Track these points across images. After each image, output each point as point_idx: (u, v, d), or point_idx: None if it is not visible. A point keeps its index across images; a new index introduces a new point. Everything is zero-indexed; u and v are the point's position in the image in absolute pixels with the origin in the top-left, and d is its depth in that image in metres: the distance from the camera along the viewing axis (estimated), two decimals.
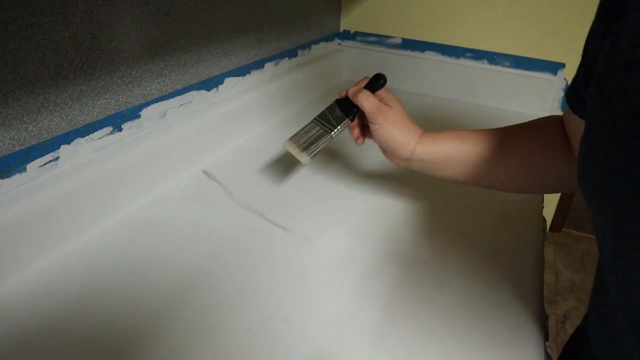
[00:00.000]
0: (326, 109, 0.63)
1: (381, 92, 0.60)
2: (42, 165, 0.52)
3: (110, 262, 0.52)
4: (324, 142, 0.60)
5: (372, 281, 0.53)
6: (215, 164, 0.74)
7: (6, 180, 0.48)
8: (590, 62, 0.38)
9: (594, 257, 1.91)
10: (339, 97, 0.62)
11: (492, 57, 1.09)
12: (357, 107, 0.59)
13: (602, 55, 0.33)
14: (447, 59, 1.13)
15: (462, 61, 1.12)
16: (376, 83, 0.61)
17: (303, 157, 0.59)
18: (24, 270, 0.49)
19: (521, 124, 0.56)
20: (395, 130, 0.56)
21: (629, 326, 0.31)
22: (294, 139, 0.61)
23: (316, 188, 0.70)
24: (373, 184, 0.72)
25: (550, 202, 1.27)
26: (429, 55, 1.15)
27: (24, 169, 0.50)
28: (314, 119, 0.63)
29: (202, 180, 0.70)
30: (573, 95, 0.45)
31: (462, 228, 0.63)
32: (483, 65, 1.10)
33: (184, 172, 0.71)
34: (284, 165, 0.77)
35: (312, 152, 0.59)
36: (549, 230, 2.13)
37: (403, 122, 0.57)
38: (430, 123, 0.99)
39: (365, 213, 0.65)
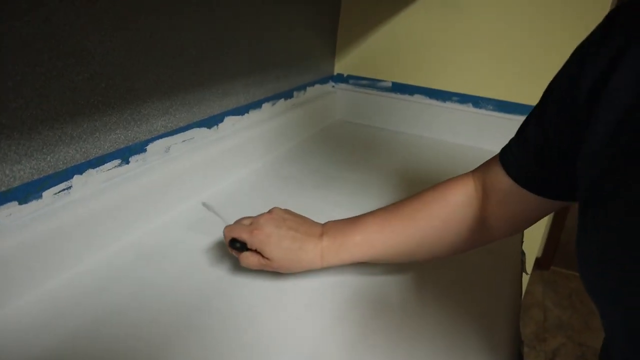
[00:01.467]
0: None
1: (254, 241, 0.55)
2: (56, 193, 0.56)
3: (115, 285, 0.56)
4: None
5: (354, 308, 0.56)
6: (214, 197, 0.79)
7: (24, 205, 0.53)
8: (555, 144, 0.42)
9: (582, 295, 1.94)
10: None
11: (477, 101, 1.16)
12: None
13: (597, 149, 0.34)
14: (434, 102, 1.20)
15: (449, 104, 1.19)
16: (240, 247, 0.57)
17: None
18: (35, 289, 0.53)
19: (430, 200, 0.56)
20: (290, 270, 0.57)
21: None
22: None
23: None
24: None
25: (536, 241, 1.31)
26: (418, 98, 1.22)
27: (40, 196, 0.54)
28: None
29: (201, 211, 0.74)
30: (520, 171, 0.47)
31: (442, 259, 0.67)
32: (468, 108, 1.17)
33: (185, 203, 0.75)
34: (278, 200, 0.81)
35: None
36: (538, 268, 2.16)
37: (291, 261, 0.56)
38: (420, 162, 1.05)
39: None
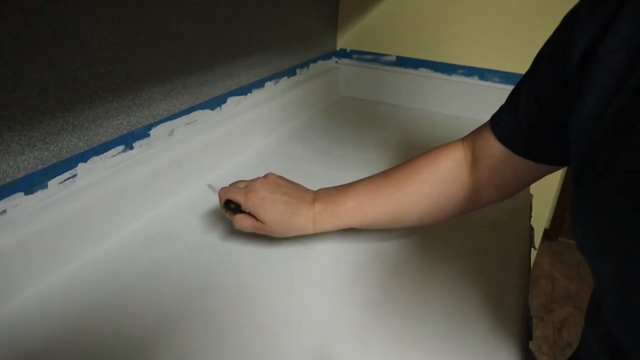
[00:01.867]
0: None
1: (248, 204, 0.57)
2: (61, 182, 0.56)
3: (124, 270, 0.57)
4: None
5: (365, 285, 0.57)
6: (219, 179, 0.79)
7: (30, 196, 0.53)
8: (547, 111, 0.43)
9: None
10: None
11: (483, 74, 1.14)
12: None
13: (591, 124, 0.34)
14: (439, 75, 1.18)
15: (454, 77, 1.17)
16: (234, 208, 0.58)
17: None
18: (47, 277, 0.54)
19: (421, 165, 0.57)
20: (283, 234, 0.58)
21: None
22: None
23: None
24: None
25: (544, 212, 1.31)
26: (423, 72, 1.20)
27: (46, 186, 0.54)
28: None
29: (207, 193, 0.74)
30: (511, 138, 0.48)
31: (451, 235, 0.67)
32: (474, 81, 1.15)
33: (190, 186, 0.75)
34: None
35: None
36: (546, 239, 2.16)
37: (284, 224, 0.57)
38: (426, 136, 1.04)
39: None
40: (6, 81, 0.47)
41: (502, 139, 0.49)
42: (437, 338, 0.50)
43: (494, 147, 0.50)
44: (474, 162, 0.54)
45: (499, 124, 0.50)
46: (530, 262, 0.67)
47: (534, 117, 0.45)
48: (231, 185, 0.61)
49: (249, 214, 0.58)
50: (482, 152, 0.52)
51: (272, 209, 0.56)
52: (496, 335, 0.50)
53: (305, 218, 0.58)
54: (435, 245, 0.65)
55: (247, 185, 0.59)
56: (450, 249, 0.64)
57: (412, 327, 0.51)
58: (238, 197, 0.57)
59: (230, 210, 0.59)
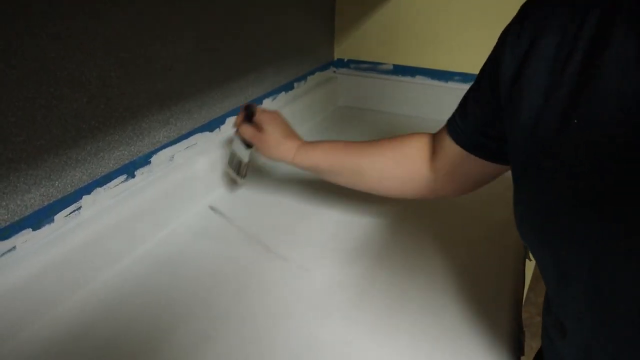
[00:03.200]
0: (234, 143, 0.78)
1: (261, 117, 0.72)
2: (67, 215, 0.59)
3: (130, 296, 0.59)
4: (244, 167, 0.78)
5: (361, 306, 0.59)
6: (220, 199, 0.81)
7: (37, 231, 0.55)
8: (490, 119, 0.48)
9: None
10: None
11: None
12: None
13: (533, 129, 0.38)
14: (436, 82, 1.20)
15: (451, 84, 1.18)
16: (249, 114, 0.73)
17: (238, 180, 0.80)
18: (56, 308, 0.56)
19: (390, 139, 0.66)
20: (271, 149, 0.71)
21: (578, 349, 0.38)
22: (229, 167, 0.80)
23: (316, 218, 0.76)
24: (367, 211, 0.78)
25: None
26: (419, 79, 1.21)
27: (52, 220, 0.57)
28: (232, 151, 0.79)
29: (209, 215, 0.77)
30: (464, 139, 0.53)
31: (443, 246, 0.69)
32: None
33: (192, 208, 0.77)
34: (285, 197, 0.83)
35: (242, 174, 0.79)
36: None
37: (277, 141, 0.71)
38: None
39: (357, 237, 0.71)
40: (10, 125, 0.49)
41: (456, 140, 0.54)
42: (427, 354, 0.52)
43: (449, 145, 0.55)
44: (434, 155, 0.60)
45: (453, 127, 0.55)
46: (524, 275, 0.68)
47: (480, 123, 0.50)
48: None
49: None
50: (439, 148, 0.58)
51: (275, 125, 0.71)
52: (487, 351, 0.52)
53: (290, 147, 0.70)
54: (426, 256, 0.67)
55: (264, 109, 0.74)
56: (441, 261, 0.66)
57: (400, 342, 0.53)
58: (257, 109, 0.73)
59: (246, 113, 0.73)
